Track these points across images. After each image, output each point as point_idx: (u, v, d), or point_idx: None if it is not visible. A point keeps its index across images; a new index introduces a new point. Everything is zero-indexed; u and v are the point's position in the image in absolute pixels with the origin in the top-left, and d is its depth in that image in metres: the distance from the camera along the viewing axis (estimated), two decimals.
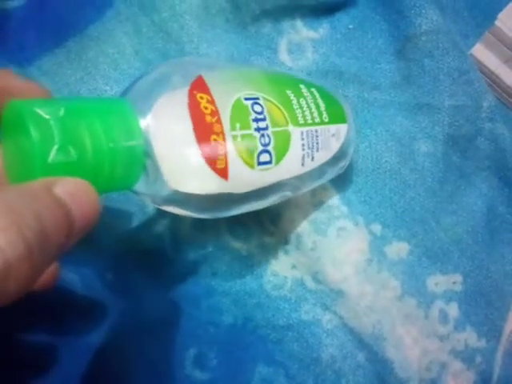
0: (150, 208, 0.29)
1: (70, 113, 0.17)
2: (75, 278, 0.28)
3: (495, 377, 0.31)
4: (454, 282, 0.31)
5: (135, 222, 0.29)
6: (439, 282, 0.31)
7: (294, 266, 0.30)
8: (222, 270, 0.30)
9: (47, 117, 0.16)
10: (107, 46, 0.30)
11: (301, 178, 0.25)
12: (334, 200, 0.30)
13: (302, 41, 0.32)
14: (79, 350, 0.29)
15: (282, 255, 0.30)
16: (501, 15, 0.32)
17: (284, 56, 0.31)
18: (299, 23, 0.32)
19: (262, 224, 0.30)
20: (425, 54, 0.31)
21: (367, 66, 0.32)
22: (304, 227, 0.30)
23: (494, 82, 0.33)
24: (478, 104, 0.31)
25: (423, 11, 0.31)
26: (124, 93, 0.20)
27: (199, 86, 0.21)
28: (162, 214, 0.29)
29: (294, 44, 0.32)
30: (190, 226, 0.29)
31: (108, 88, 0.29)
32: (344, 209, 0.30)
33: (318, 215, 0.30)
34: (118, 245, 0.29)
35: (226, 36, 0.31)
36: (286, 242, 0.30)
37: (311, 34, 0.32)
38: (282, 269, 0.30)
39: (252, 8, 0.30)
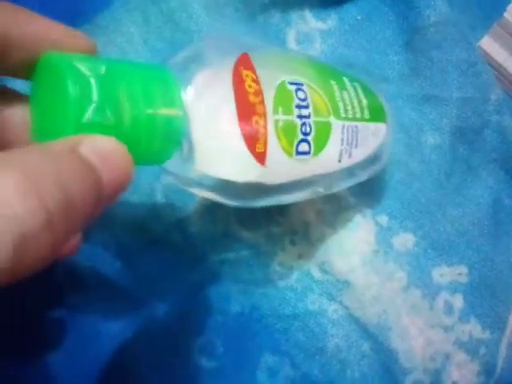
0: (159, 197, 0.29)
1: (111, 73, 0.16)
2: (84, 263, 0.29)
3: (499, 368, 0.31)
4: (460, 274, 0.31)
5: (143, 211, 0.29)
6: (444, 274, 0.31)
7: (300, 257, 0.30)
8: (229, 260, 0.30)
9: (87, 73, 0.15)
10: (115, 35, 0.30)
11: (335, 175, 0.24)
12: (342, 191, 0.30)
13: (311, 31, 0.32)
14: (86, 338, 0.29)
15: (288, 245, 0.30)
16: (509, 7, 0.32)
17: (292, 46, 0.31)
18: (308, 14, 0.32)
19: (270, 214, 0.30)
20: (433, 45, 0.31)
21: (375, 57, 0.32)
22: (311, 218, 0.30)
23: (501, 74, 0.33)
24: (485, 96, 0.31)
25: (432, 2, 0.31)
26: (166, 62, 0.19)
27: (245, 62, 0.20)
28: (170, 203, 0.29)
29: (303, 34, 0.32)
30: (198, 216, 0.29)
31: None
32: (351, 200, 0.30)
33: (325, 206, 0.30)
34: (125, 234, 0.29)
35: (234, 26, 0.31)
36: (293, 232, 0.30)
37: (320, 24, 0.32)
38: (288, 259, 0.30)
39: None
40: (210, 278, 0.30)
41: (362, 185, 0.30)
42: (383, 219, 0.31)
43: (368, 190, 0.31)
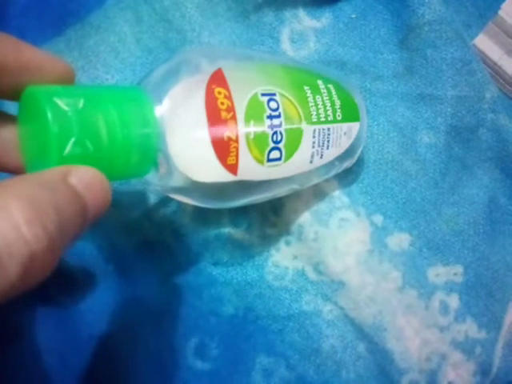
0: (151, 198, 0.29)
1: (88, 104, 0.17)
2: (76, 267, 0.28)
3: (495, 368, 0.31)
4: (455, 273, 0.31)
5: (136, 212, 0.29)
6: (440, 273, 0.31)
7: (295, 257, 0.30)
8: (223, 261, 0.30)
9: (66, 108, 0.16)
10: (108, 35, 0.30)
11: (308, 174, 0.25)
12: (336, 191, 0.30)
13: (305, 30, 0.32)
14: (80, 341, 0.29)
15: (283, 246, 0.30)
16: (504, 5, 0.32)
17: (286, 45, 0.31)
18: (301, 12, 0.32)
19: (264, 214, 0.30)
20: (428, 44, 0.31)
21: (370, 55, 0.32)
22: (306, 218, 0.30)
23: (496, 72, 0.33)
24: (480, 95, 0.31)
25: (426, 1, 0.31)
26: (142, 80, 0.20)
27: (218, 79, 0.21)
28: (163, 204, 0.29)
29: (296, 33, 0.31)
30: (191, 216, 0.29)
31: (109, 77, 0.29)
32: (346, 199, 0.30)
33: (319, 206, 0.30)
34: (118, 235, 0.29)
35: (227, 25, 0.31)
36: (287, 232, 0.30)
37: (313, 23, 0.32)
38: (283, 259, 0.30)
39: None
40: (204, 279, 0.30)
41: (356, 185, 0.30)
42: (378, 219, 0.31)
43: (363, 189, 0.31)
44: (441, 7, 0.31)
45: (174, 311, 0.29)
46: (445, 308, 0.31)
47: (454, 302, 0.31)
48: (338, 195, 0.30)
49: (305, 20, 0.32)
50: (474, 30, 0.33)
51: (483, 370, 0.31)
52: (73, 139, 0.16)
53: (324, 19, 0.32)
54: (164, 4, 0.30)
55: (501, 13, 0.32)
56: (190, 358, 0.29)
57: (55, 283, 0.28)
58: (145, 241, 0.29)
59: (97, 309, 0.29)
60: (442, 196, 0.31)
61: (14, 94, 0.18)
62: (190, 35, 0.30)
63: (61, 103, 0.16)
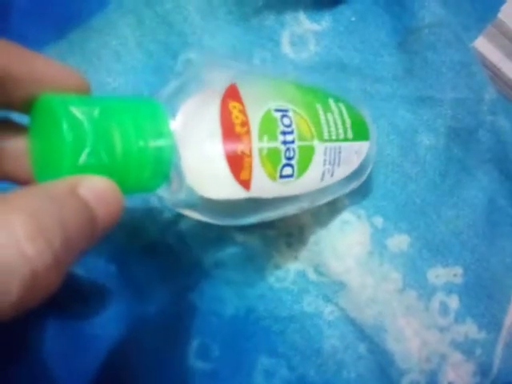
0: (154, 201, 0.29)
1: (103, 114, 0.17)
2: (79, 269, 0.28)
3: (495, 369, 0.31)
4: (455, 275, 0.31)
5: (138, 215, 0.29)
6: (440, 275, 0.31)
7: (296, 258, 0.30)
8: (224, 262, 0.30)
9: (81, 118, 0.16)
10: (110, 38, 0.30)
11: (319, 192, 0.25)
12: None
13: (305, 33, 0.32)
14: (82, 341, 0.29)
15: (284, 247, 0.30)
16: (503, 8, 0.32)
17: (286, 48, 0.31)
18: (302, 15, 0.32)
19: None
20: (427, 46, 0.31)
21: (369, 58, 0.32)
22: (307, 220, 0.30)
23: (495, 75, 0.33)
24: (479, 97, 0.31)
25: (426, 4, 0.31)
26: (160, 93, 0.20)
27: (232, 94, 0.21)
28: (165, 207, 0.29)
29: (297, 36, 0.32)
30: (193, 219, 0.29)
31: (111, 80, 0.29)
32: (346, 202, 0.30)
33: (320, 208, 0.30)
34: (121, 237, 0.29)
35: (228, 28, 0.31)
36: (288, 234, 0.30)
37: (314, 26, 0.32)
38: (284, 261, 0.30)
39: (255, 0, 0.30)
40: (206, 280, 0.30)
41: (356, 187, 0.30)
42: (378, 221, 0.31)
43: (363, 191, 0.31)
44: (440, 10, 0.31)
45: (176, 312, 0.29)
46: (445, 309, 0.31)
47: (453, 303, 0.31)
48: (339, 197, 0.30)
49: (305, 23, 0.32)
50: (473, 32, 0.33)
51: (483, 371, 0.31)
52: (87, 149, 0.16)
53: (324, 22, 0.32)
54: (165, 7, 0.30)
55: (500, 15, 0.32)
56: (191, 358, 0.29)
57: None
58: (146, 243, 0.29)
59: (97, 310, 0.29)
60: (441, 198, 0.32)
61: (26, 106, 0.17)
62: (190, 38, 0.30)
63: (76, 112, 0.16)
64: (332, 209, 0.30)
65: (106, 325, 0.29)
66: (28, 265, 0.13)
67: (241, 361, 0.30)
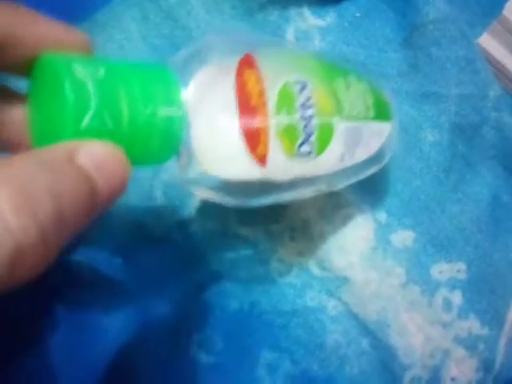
0: (158, 195, 0.29)
1: (109, 75, 0.15)
2: (82, 261, 0.29)
3: (498, 364, 0.31)
4: (458, 270, 0.31)
5: (142, 209, 0.29)
6: (443, 270, 0.31)
7: (300, 253, 0.30)
8: (228, 257, 0.30)
9: (85, 77, 0.15)
10: (115, 32, 0.30)
11: (337, 174, 0.23)
12: (341, 188, 0.30)
13: (309, 29, 0.32)
14: (87, 336, 0.29)
15: (288, 242, 0.30)
16: (508, 4, 0.32)
17: None
18: (306, 11, 0.32)
19: (269, 211, 0.30)
20: (432, 42, 0.31)
21: (374, 54, 0.32)
22: (311, 214, 0.30)
23: (500, 71, 0.33)
24: (484, 93, 0.31)
25: (430, 0, 0.31)
26: (167, 61, 0.19)
27: (248, 62, 0.19)
28: (170, 201, 0.29)
29: (301, 32, 0.32)
30: (197, 213, 0.30)
31: None
32: (350, 197, 0.30)
33: (324, 203, 0.30)
34: (124, 231, 0.29)
35: (233, 23, 0.31)
36: (292, 229, 0.30)
37: (318, 22, 0.32)
38: (288, 255, 0.30)
39: None
40: (210, 274, 0.30)
41: (361, 182, 0.30)
42: (382, 216, 0.31)
43: (367, 187, 0.31)
44: (445, 6, 0.31)
45: (180, 306, 0.29)
46: (448, 305, 0.31)
47: (457, 298, 0.31)
48: (343, 192, 0.30)
49: (309, 19, 0.32)
50: (478, 28, 0.33)
51: (486, 367, 0.31)
52: (91, 112, 0.15)
53: (328, 18, 0.32)
54: (170, 2, 0.30)
55: (505, 12, 0.32)
56: (195, 352, 0.29)
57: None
58: (150, 237, 0.29)
59: (101, 305, 0.29)
60: (445, 193, 0.32)
61: (26, 69, 0.16)
62: (195, 32, 0.30)
63: (80, 71, 0.15)
64: (336, 204, 0.30)
65: (109, 320, 0.29)
66: (11, 238, 0.12)
67: (244, 355, 0.30)
